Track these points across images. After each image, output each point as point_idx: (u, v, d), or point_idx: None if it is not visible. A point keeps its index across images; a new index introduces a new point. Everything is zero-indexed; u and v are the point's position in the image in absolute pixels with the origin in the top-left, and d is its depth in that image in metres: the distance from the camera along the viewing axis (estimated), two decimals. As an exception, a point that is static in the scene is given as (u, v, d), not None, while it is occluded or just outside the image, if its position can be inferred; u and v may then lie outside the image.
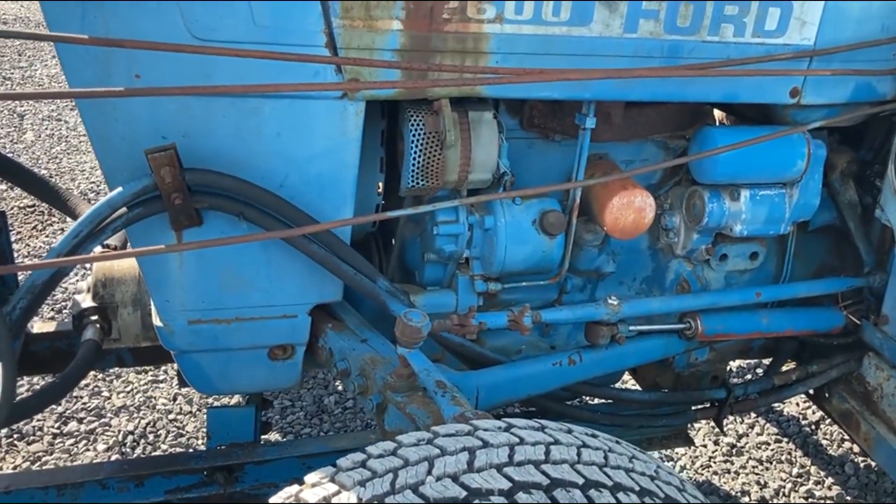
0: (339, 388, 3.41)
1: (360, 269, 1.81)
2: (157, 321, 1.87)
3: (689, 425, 2.73)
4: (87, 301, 2.13)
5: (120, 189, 1.60)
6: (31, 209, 4.72)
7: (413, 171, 1.82)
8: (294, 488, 1.27)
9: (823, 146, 2.15)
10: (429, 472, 1.23)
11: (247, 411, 2.17)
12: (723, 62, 1.80)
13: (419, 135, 1.79)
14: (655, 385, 2.54)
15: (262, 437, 2.37)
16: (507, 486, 1.18)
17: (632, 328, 2.07)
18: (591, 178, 2.04)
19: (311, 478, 1.28)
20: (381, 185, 2.01)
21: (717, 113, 2.38)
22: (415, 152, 1.80)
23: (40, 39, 1.41)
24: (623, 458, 1.34)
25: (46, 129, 5.98)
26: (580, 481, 1.22)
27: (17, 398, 2.06)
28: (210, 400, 3.10)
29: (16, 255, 4.25)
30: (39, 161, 5.46)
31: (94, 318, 2.11)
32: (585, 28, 1.74)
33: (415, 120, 1.79)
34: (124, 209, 1.62)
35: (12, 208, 4.71)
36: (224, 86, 1.57)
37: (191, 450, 2.96)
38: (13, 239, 4.41)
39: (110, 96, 1.55)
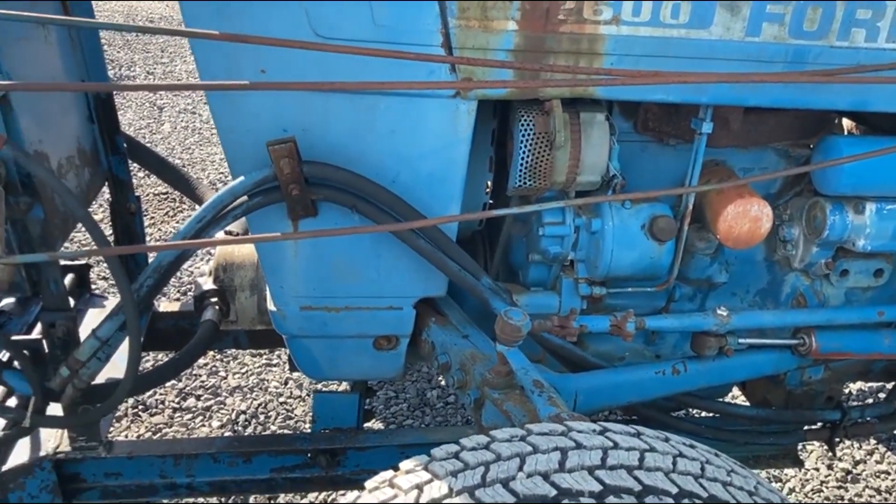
0: (442, 382, 3.46)
1: (465, 266, 1.84)
2: (271, 306, 1.96)
3: (799, 446, 2.62)
4: (207, 284, 2.25)
5: (242, 178, 1.69)
6: (165, 196, 5.02)
7: (521, 170, 1.83)
8: (389, 473, 1.31)
9: (960, 159, 2.01)
10: (520, 469, 1.25)
11: (351, 398, 2.23)
12: (851, 69, 1.71)
13: (529, 135, 1.80)
14: (765, 401, 2.45)
15: (365, 424, 2.44)
16: (597, 488, 1.18)
17: (741, 341, 2.01)
18: (706, 184, 2.00)
19: (405, 464, 1.32)
20: (489, 183, 2.03)
21: (846, 122, 2.27)
22: (523, 152, 1.81)
23: (171, 34, 1.50)
24: (721, 472, 1.31)
25: (182, 121, 6.33)
26: (673, 490, 1.20)
27: (142, 371, 2.21)
28: (319, 386, 3.21)
29: (148, 238, 4.54)
30: (174, 151, 5.79)
31: (214, 300, 2.23)
32: (705, 31, 1.70)
33: (525, 120, 1.80)
34: (245, 197, 1.71)
35: (147, 194, 5.02)
36: (341, 82, 1.63)
37: (298, 432, 3.08)
38: (147, 223, 4.71)
39: (235, 89, 1.63)
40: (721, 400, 2.33)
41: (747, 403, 2.57)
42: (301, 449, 2.18)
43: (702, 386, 2.06)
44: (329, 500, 2.81)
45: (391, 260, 1.88)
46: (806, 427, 2.40)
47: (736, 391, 2.72)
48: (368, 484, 1.28)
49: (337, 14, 1.60)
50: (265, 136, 1.68)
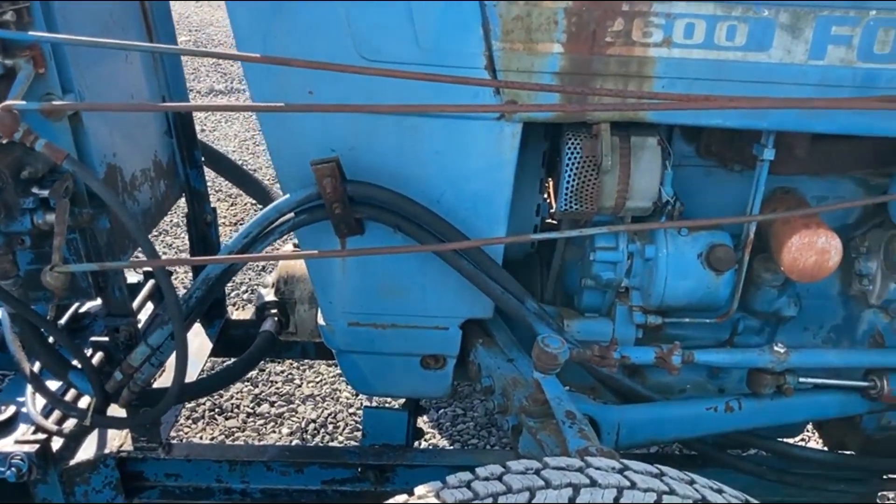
0: (512, 403, 3.42)
1: (509, 289, 1.82)
2: (320, 320, 2.00)
3: (880, 496, 2.44)
4: (269, 295, 2.32)
5: (287, 196, 1.74)
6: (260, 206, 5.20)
7: (567, 194, 1.80)
8: (402, 497, 1.31)
9: None
10: (529, 502, 1.22)
11: (400, 415, 2.24)
12: (923, 94, 1.60)
13: (575, 158, 1.76)
14: (841, 445, 2.30)
15: (417, 442, 2.44)
16: (602, 529, 1.14)
17: (803, 380, 1.89)
18: (768, 213, 1.90)
19: (419, 490, 1.32)
20: (552, 205, 2.00)
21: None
22: (570, 175, 1.78)
23: (224, 58, 1.56)
24: (744, 521, 1.24)
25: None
26: (682, 538, 1.15)
27: (200, 377, 2.29)
28: (388, 401, 3.24)
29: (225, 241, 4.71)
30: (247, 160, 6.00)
31: (274, 311, 2.29)
32: (764, 54, 1.63)
33: (572, 143, 1.77)
34: (291, 214, 1.76)
35: (245, 203, 5.21)
36: (386, 105, 1.65)
37: (351, 444, 3.11)
38: (232, 227, 4.89)
39: (284, 111, 1.68)
40: (786, 441, 2.20)
41: (821, 446, 2.42)
42: (350, 463, 2.20)
43: (757, 425, 1.95)
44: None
45: (436, 280, 1.88)
46: (886, 475, 2.23)
47: (810, 430, 2.56)
48: (383, 504, 1.28)
49: (381, 37, 1.62)
50: (313, 154, 1.72)
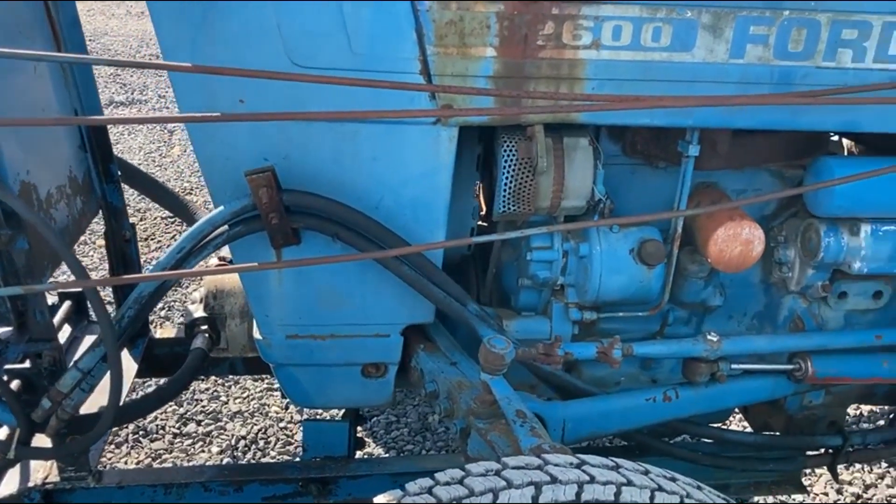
0: (444, 407, 3.42)
1: (450, 292, 1.82)
2: (256, 334, 1.95)
3: (804, 472, 2.56)
4: (198, 311, 2.25)
5: (221, 208, 1.69)
6: (172, 219, 5.04)
7: (505, 196, 1.82)
8: (362, 511, 1.29)
9: (958, 179, 1.97)
10: (493, 504, 1.23)
11: (341, 426, 2.21)
12: (836, 90, 1.68)
13: (511, 160, 1.78)
14: (766, 426, 2.40)
15: (359, 452, 2.41)
16: (568, 525, 1.15)
17: (734, 366, 1.97)
18: (696, 208, 1.97)
19: (379, 499, 1.30)
20: (483, 208, 2.02)
21: (847, 141, 2.24)
22: (507, 178, 1.80)
23: (148, 68, 1.50)
24: (700, 506, 1.28)
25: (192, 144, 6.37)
26: (647, 526, 1.17)
27: (130, 400, 2.20)
28: (318, 412, 3.19)
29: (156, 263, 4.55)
30: (183, 174, 5.83)
31: (204, 327, 2.22)
32: (688, 54, 1.68)
33: (508, 146, 1.79)
34: (225, 227, 1.71)
35: (155, 218, 5.05)
36: (320, 112, 1.63)
37: (296, 459, 3.06)
38: (153, 248, 4.73)
39: (214, 121, 1.63)
40: (719, 426, 2.29)
41: (748, 429, 2.52)
42: (292, 478, 2.16)
43: (694, 413, 2.02)
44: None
45: (376, 287, 1.87)
46: (809, 453, 2.35)
47: (737, 415, 2.66)
48: (339, 519, 1.26)
49: (313, 43, 1.60)
50: (245, 165, 1.68)
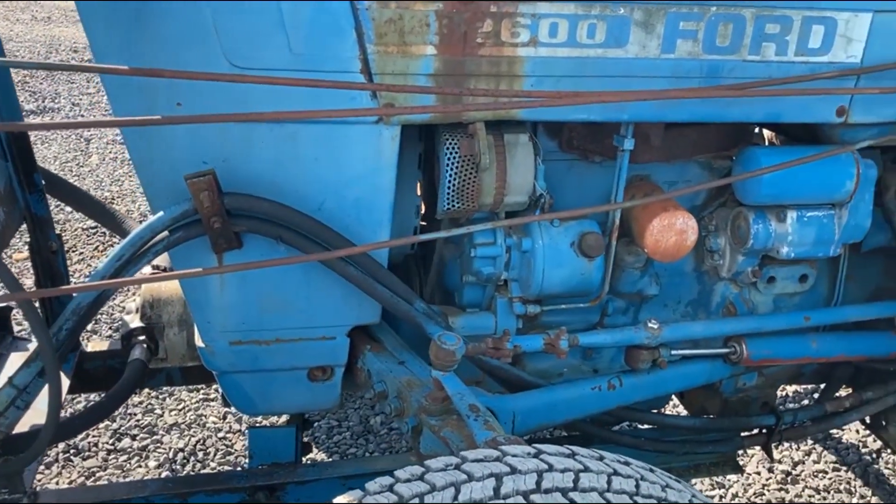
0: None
1: (397, 292, 1.82)
2: (198, 342, 1.91)
3: (739, 452, 2.66)
4: (135, 321, 2.19)
5: (161, 213, 1.65)
6: (94, 230, 4.87)
7: (448, 194, 1.83)
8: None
9: (874, 166, 2.09)
10: (455, 498, 1.23)
11: (287, 431, 2.19)
12: (762, 82, 1.76)
13: (454, 158, 1.80)
14: (703, 410, 2.48)
15: (305, 457, 2.39)
16: (532, 513, 1.17)
17: (674, 352, 2.03)
18: (631, 200, 2.02)
19: (340, 500, 1.29)
20: (420, 207, 2.03)
21: (767, 132, 2.34)
22: (450, 175, 1.81)
23: (82, 71, 1.46)
24: (655, 487, 1.32)
25: (110, 152, 6.18)
26: (608, 510, 1.20)
27: (65, 417, 2.13)
28: (260, 419, 3.14)
29: (80, 275, 4.40)
30: (103, 183, 5.65)
31: (142, 338, 2.16)
32: (621, 49, 1.73)
33: (450, 143, 1.80)
34: (165, 233, 1.67)
35: (76, 229, 4.87)
36: (260, 113, 1.60)
37: (238, 468, 3.00)
38: (76, 259, 4.57)
39: (150, 125, 1.59)
40: (659, 411, 2.36)
41: (685, 413, 2.60)
42: (239, 487, 2.12)
43: (638, 399, 2.08)
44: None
45: (321, 289, 1.85)
46: (744, 433, 2.44)
47: (674, 401, 2.74)
48: (300, 523, 1.25)
49: (251, 43, 1.58)
50: (184, 169, 1.64)
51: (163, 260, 2.23)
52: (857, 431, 3.42)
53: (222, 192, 1.64)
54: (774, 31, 1.78)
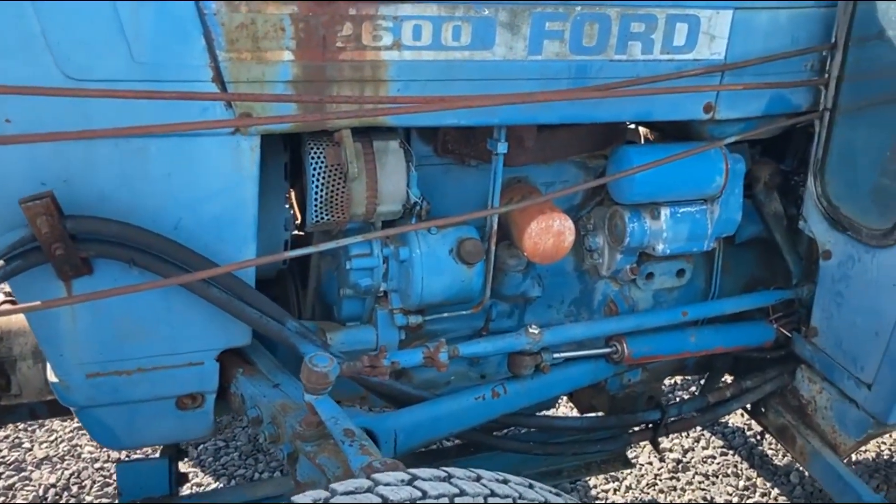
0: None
1: (267, 311, 1.72)
2: (51, 377, 1.75)
3: (628, 447, 2.68)
4: (-19, 356, 2.00)
5: (-7, 242, 1.49)
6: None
7: (317, 205, 1.74)
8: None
9: (742, 160, 2.13)
10: (324, 537, 1.16)
11: (159, 464, 2.05)
12: (629, 81, 1.75)
13: (320, 168, 1.71)
14: (591, 408, 2.49)
15: (184, 486, 2.25)
16: (403, 548, 1.10)
17: (556, 356, 2.01)
18: (509, 203, 1.99)
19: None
20: (292, 220, 1.93)
21: (643, 129, 2.35)
22: (317, 186, 1.72)
23: None
24: (534, 506, 1.28)
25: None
26: (484, 536, 1.15)
27: None
28: (129, 453, 2.96)
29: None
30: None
31: (-9, 374, 1.98)
32: (488, 52, 1.68)
33: (315, 152, 1.71)
34: (1, 262, 1.51)
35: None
36: (102, 129, 1.47)
37: (116, 501, 2.82)
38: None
39: (-24, 144, 1.44)
40: (545, 414, 2.34)
41: (574, 414, 2.60)
42: (108, 527, 1.98)
43: (524, 405, 2.05)
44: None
45: (183, 313, 1.73)
46: (631, 429, 2.45)
47: (564, 399, 2.74)
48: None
49: (88, 53, 1.44)
50: (20, 192, 1.49)
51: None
52: (742, 415, 3.52)
53: (63, 216, 1.50)
54: (640, 29, 1.77)
